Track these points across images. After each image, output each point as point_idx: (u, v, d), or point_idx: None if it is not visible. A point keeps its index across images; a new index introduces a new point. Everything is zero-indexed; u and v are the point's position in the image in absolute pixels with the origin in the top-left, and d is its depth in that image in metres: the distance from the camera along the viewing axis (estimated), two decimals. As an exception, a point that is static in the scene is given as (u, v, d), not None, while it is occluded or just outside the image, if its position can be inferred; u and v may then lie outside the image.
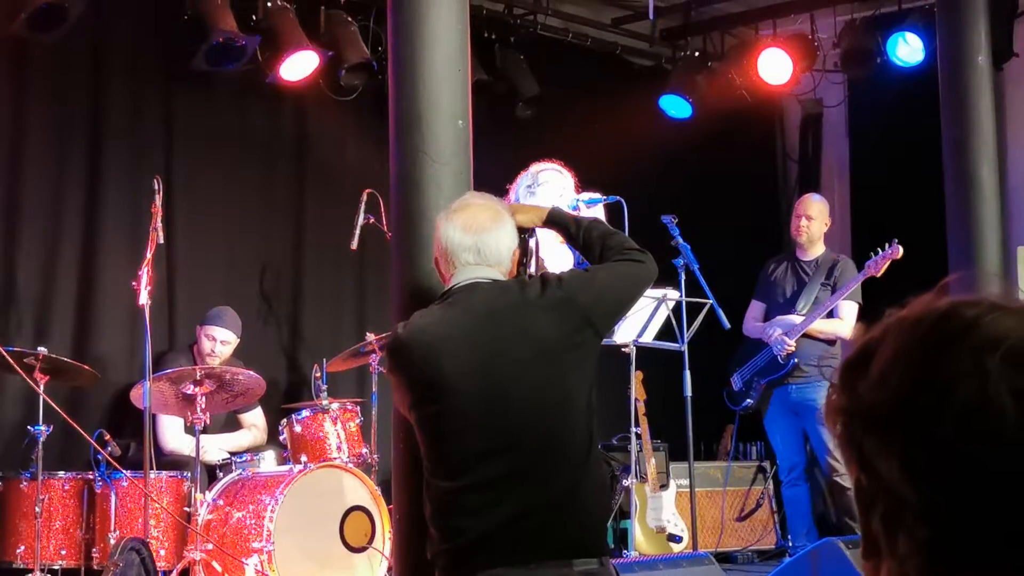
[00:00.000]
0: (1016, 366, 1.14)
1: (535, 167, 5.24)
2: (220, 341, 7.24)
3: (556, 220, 4.18)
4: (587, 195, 5.25)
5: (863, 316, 7.73)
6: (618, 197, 5.23)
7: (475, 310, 3.70)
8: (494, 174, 5.30)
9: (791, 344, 7.64)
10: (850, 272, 7.71)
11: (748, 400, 7.91)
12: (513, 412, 3.63)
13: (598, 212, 5.22)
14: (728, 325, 6.71)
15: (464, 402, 3.64)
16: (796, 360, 7.64)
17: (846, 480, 7.50)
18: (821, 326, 7.68)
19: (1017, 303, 1.20)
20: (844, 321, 7.70)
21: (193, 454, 6.52)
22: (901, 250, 7.44)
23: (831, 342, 7.70)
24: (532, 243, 4.32)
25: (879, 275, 7.48)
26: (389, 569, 6.33)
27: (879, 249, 7.51)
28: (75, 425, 6.05)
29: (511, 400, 3.64)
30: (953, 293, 1.24)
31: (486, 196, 4.19)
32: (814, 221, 7.90)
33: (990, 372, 1.14)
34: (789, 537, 8.15)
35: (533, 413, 3.64)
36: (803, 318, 7.68)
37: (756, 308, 8.05)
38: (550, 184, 5.15)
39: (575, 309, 3.72)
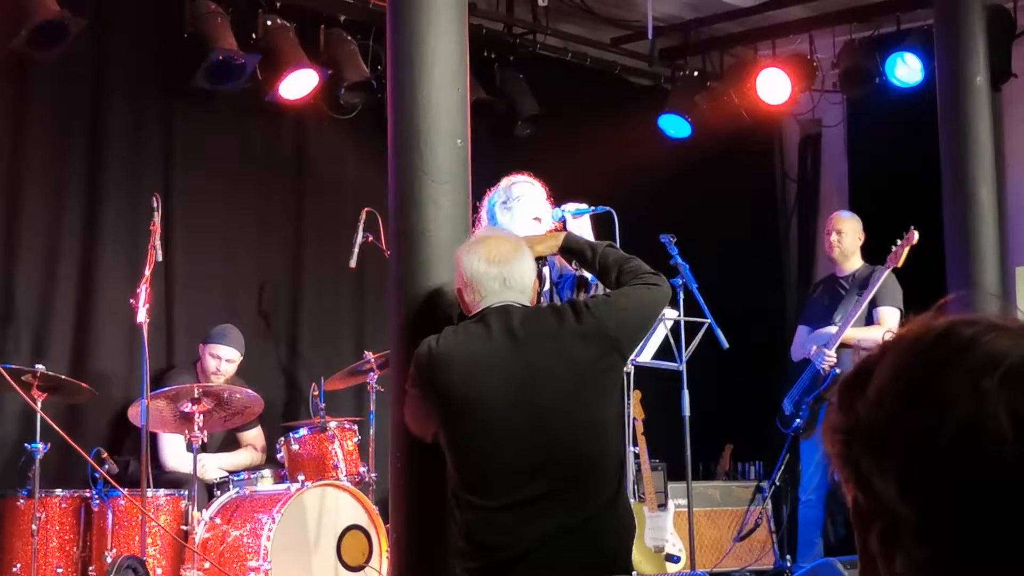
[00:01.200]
0: (1014, 386, 1.14)
1: (506, 181, 5.21)
2: (225, 359, 7.22)
3: (571, 247, 4.26)
4: (574, 206, 5.22)
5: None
6: (608, 208, 5.20)
7: (513, 332, 3.76)
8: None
9: (831, 355, 7.58)
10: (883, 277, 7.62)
11: (798, 421, 7.82)
12: (551, 433, 3.71)
13: (584, 223, 5.20)
14: (727, 345, 6.69)
15: (504, 421, 3.70)
16: (838, 371, 7.57)
17: None
18: (861, 334, 7.58)
19: (1015, 323, 1.20)
20: (884, 326, 7.58)
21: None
22: (917, 235, 7.40)
23: None
24: (546, 272, 4.39)
25: (900, 265, 7.45)
26: (386, 588, 6.31)
27: (897, 240, 7.49)
28: (72, 443, 6.04)
29: (549, 421, 3.71)
30: (952, 312, 1.24)
31: (503, 230, 4.28)
32: (845, 235, 7.89)
33: (987, 392, 1.14)
34: (791, 557, 8.12)
35: (571, 434, 3.73)
36: (838, 327, 7.62)
37: (801, 332, 8.01)
38: (525, 198, 5.14)
39: (604, 334, 3.83)
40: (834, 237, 7.92)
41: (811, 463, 7.88)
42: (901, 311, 7.62)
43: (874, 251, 7.69)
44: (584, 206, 5.24)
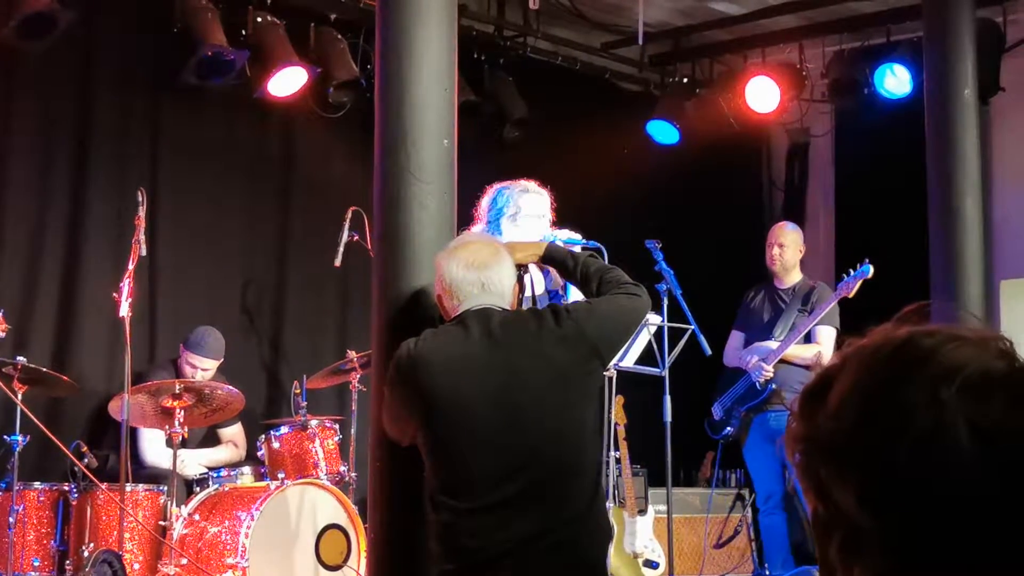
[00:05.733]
0: (972, 397, 1.14)
1: (518, 190, 5.19)
2: (201, 369, 7.19)
3: (553, 256, 4.27)
4: (566, 234, 5.20)
5: (840, 342, 7.67)
6: (599, 244, 5.17)
7: (493, 334, 3.77)
8: (479, 195, 5.31)
9: (769, 370, 7.62)
10: (827, 297, 7.70)
11: (728, 428, 7.89)
12: (531, 435, 3.72)
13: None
14: (709, 351, 6.70)
15: (482, 422, 3.70)
16: (774, 386, 7.62)
17: None
18: (798, 351, 7.66)
19: (976, 332, 1.20)
20: (821, 346, 7.66)
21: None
22: (872, 270, 7.41)
23: (810, 367, 7.67)
24: (527, 279, 4.39)
25: (851, 296, 7.46)
26: (364, 588, 6.30)
27: (851, 270, 7.50)
28: (52, 436, 6.02)
29: (529, 423, 3.72)
30: (921, 321, 1.24)
31: (482, 235, 4.29)
32: (787, 249, 7.90)
33: (946, 403, 1.14)
34: (766, 566, 8.13)
35: (550, 436, 3.74)
36: (779, 343, 7.67)
37: (736, 338, 8.03)
38: (533, 215, 5.12)
39: (584, 339, 3.84)
40: (776, 251, 7.92)
41: (759, 473, 7.92)
42: (838, 330, 7.67)
43: (854, 261, 7.67)
44: (577, 236, 5.23)
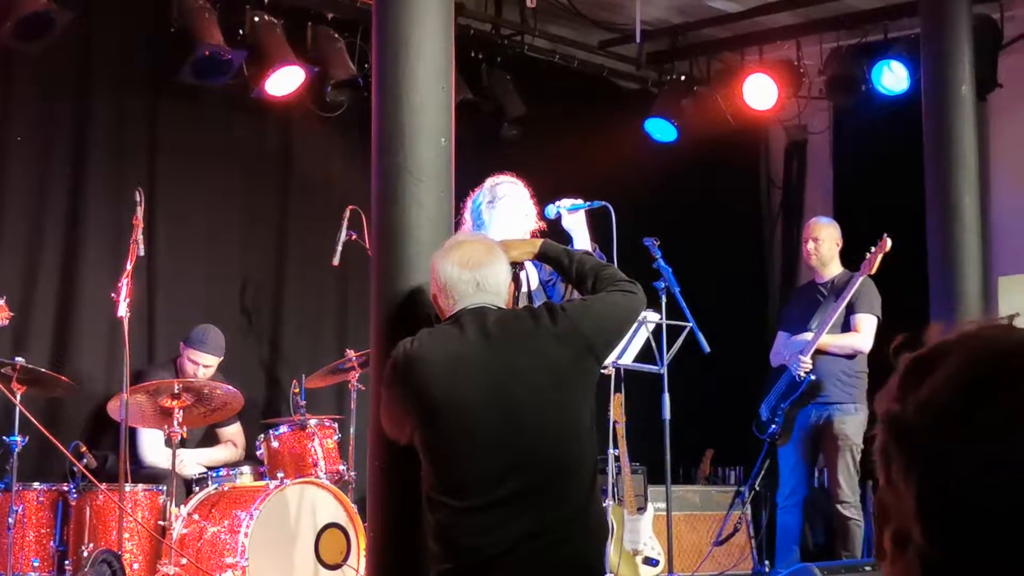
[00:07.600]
0: None
1: (490, 181, 5.25)
2: (203, 365, 7.20)
3: (548, 254, 4.27)
4: (569, 201, 5.24)
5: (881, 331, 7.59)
6: (604, 203, 5.20)
7: (489, 333, 3.77)
8: (477, 194, 5.31)
9: (806, 361, 7.55)
10: (860, 284, 7.63)
11: (773, 427, 7.78)
12: (528, 434, 3.71)
13: (580, 218, 5.21)
14: (708, 349, 6.69)
15: (480, 422, 3.70)
16: (813, 377, 7.53)
17: (848, 510, 7.46)
18: (836, 340, 7.56)
19: None
20: (861, 334, 7.55)
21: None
22: (889, 242, 7.37)
23: (850, 356, 7.58)
24: (523, 276, 4.39)
25: (873, 272, 7.43)
26: (364, 587, 6.30)
27: (871, 248, 7.46)
28: (51, 437, 6.02)
29: (527, 422, 3.72)
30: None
31: (477, 234, 4.29)
32: (822, 243, 7.84)
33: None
34: (770, 562, 8.11)
35: (548, 435, 3.74)
36: (813, 334, 7.60)
37: (780, 338, 7.96)
38: (509, 197, 5.17)
39: (580, 337, 3.84)
40: (811, 245, 7.88)
41: (788, 469, 7.85)
42: (878, 318, 7.61)
43: (857, 259, 7.69)
44: (579, 201, 5.25)
